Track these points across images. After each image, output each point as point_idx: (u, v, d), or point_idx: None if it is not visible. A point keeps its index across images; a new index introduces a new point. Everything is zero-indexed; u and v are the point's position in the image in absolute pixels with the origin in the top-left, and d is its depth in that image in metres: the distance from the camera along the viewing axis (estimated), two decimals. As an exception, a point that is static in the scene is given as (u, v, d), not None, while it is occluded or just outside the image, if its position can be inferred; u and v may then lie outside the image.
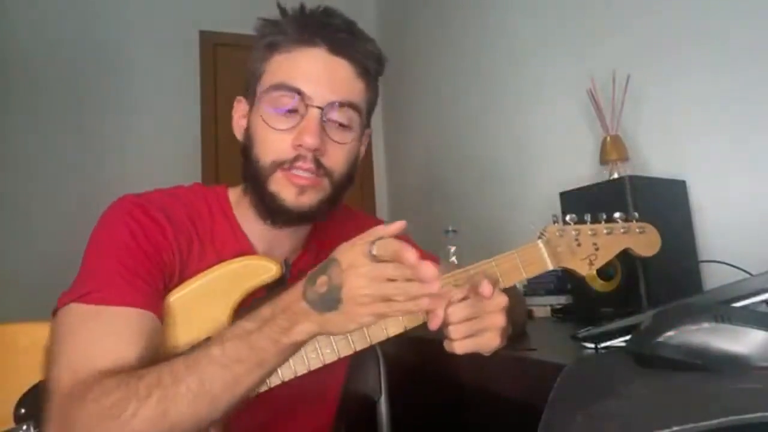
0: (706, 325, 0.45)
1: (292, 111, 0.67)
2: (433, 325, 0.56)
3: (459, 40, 2.13)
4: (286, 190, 0.67)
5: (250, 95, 0.72)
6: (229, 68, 2.77)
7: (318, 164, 0.67)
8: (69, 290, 0.62)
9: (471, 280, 0.60)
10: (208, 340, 0.59)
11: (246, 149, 0.71)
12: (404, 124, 2.70)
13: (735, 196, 1.06)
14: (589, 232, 0.69)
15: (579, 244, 0.68)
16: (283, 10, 0.70)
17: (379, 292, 0.53)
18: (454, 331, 0.57)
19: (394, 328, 0.62)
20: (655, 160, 1.22)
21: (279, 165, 0.67)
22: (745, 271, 0.93)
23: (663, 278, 0.97)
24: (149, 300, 0.62)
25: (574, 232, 0.68)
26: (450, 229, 1.67)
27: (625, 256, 0.72)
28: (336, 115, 0.68)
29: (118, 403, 0.53)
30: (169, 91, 2.71)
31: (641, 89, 1.23)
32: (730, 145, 1.07)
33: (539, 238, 0.68)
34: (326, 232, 0.82)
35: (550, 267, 0.67)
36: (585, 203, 0.97)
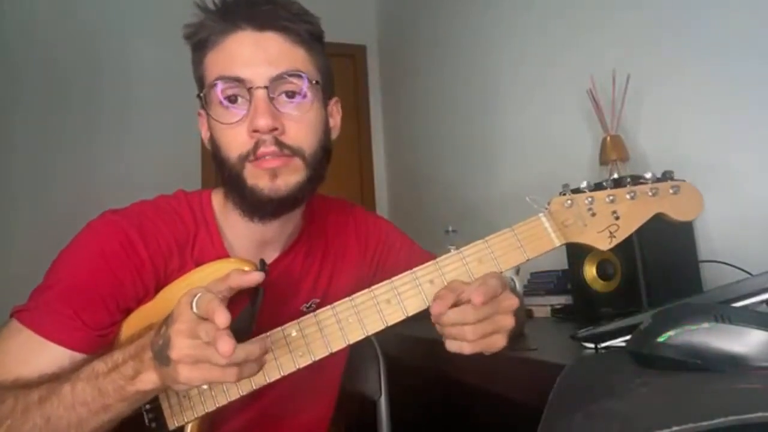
0: (706, 325, 0.45)
1: (242, 100, 0.65)
2: (436, 308, 0.55)
3: (459, 39, 2.13)
4: (259, 179, 0.65)
5: (204, 103, 0.70)
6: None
7: (280, 145, 0.64)
8: (27, 299, 0.64)
9: (484, 282, 0.57)
10: (69, 374, 0.58)
11: (214, 156, 0.70)
12: (404, 123, 2.70)
13: (735, 197, 1.06)
14: (607, 199, 0.58)
15: (594, 214, 0.58)
16: (202, 8, 0.67)
17: (199, 353, 0.49)
18: (471, 332, 0.55)
19: (393, 315, 0.60)
20: (655, 160, 1.22)
21: (245, 158, 0.65)
22: (745, 271, 0.93)
23: (663, 278, 0.97)
24: (81, 340, 0.62)
25: (587, 201, 0.58)
26: (450, 229, 1.67)
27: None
28: (284, 89, 0.66)
29: None
30: (169, 90, 2.71)
31: (641, 89, 1.22)
32: (731, 145, 1.07)
33: (541, 211, 0.60)
34: (319, 228, 0.81)
35: (557, 243, 0.59)
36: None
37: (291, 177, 0.66)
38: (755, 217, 1.02)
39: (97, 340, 0.63)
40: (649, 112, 1.24)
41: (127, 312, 0.66)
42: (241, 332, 0.58)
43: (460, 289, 0.57)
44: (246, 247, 0.73)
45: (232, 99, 0.65)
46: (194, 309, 0.50)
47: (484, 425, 0.97)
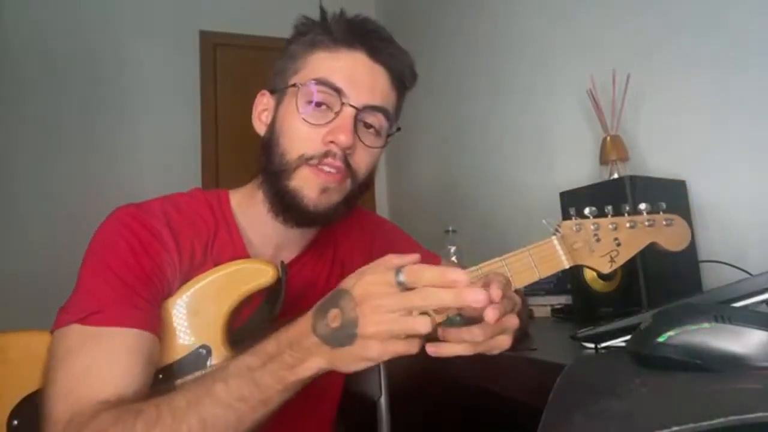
0: (706, 325, 0.45)
1: (328, 108, 0.68)
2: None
3: (459, 41, 2.13)
4: (308, 186, 0.67)
5: (280, 89, 0.72)
6: (229, 68, 2.77)
7: (346, 163, 0.67)
8: (67, 308, 0.61)
9: (491, 281, 0.56)
10: (212, 373, 0.56)
11: (269, 143, 0.71)
12: (404, 123, 2.70)
13: (735, 196, 1.06)
14: (610, 227, 0.63)
15: (598, 240, 0.63)
16: (324, 13, 0.71)
17: (399, 326, 0.47)
18: (481, 333, 0.53)
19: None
20: (655, 160, 1.22)
21: (307, 159, 0.67)
22: (745, 271, 0.93)
23: (663, 278, 0.97)
24: (148, 320, 0.61)
25: (592, 227, 0.63)
26: (450, 229, 1.67)
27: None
28: (369, 119, 0.70)
29: None
30: (169, 91, 2.71)
31: (641, 89, 1.23)
32: (731, 145, 1.07)
33: (553, 234, 0.63)
34: (329, 233, 0.81)
35: (566, 265, 0.62)
36: (585, 203, 0.97)
37: (335, 196, 0.69)
38: (755, 218, 1.02)
39: (158, 319, 0.63)
40: (649, 112, 1.24)
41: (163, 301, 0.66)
42: (256, 333, 0.57)
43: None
44: (264, 248, 0.74)
45: (322, 103, 0.68)
46: (401, 278, 0.47)
47: (484, 425, 0.97)
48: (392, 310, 0.46)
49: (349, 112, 0.67)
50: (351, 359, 0.50)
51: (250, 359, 0.54)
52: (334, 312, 0.49)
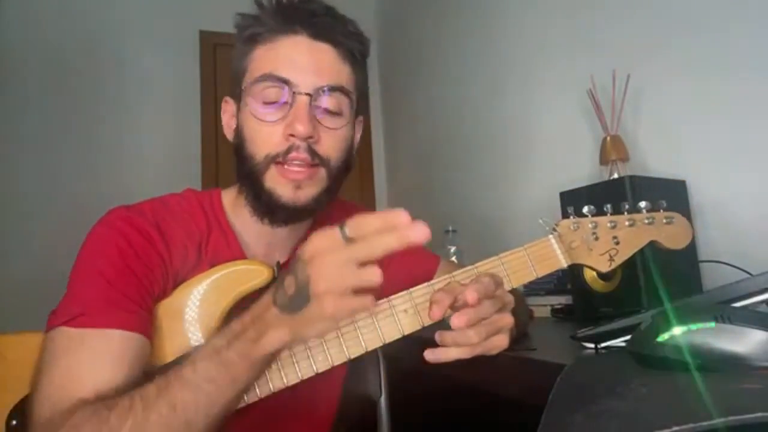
0: (706, 325, 0.45)
1: (280, 102, 0.66)
2: (435, 314, 0.54)
3: (459, 40, 2.13)
4: (281, 186, 0.66)
5: (237, 93, 0.71)
6: (229, 68, 2.76)
7: (312, 153, 0.66)
8: (57, 310, 0.61)
9: (478, 280, 0.56)
10: (180, 359, 0.57)
11: (238, 148, 0.70)
12: (404, 123, 2.70)
13: (735, 196, 1.06)
14: (609, 225, 0.63)
15: (597, 238, 0.63)
16: (259, 3, 0.69)
17: (350, 279, 0.45)
18: (475, 335, 0.53)
19: (390, 333, 0.59)
20: (655, 160, 1.22)
21: (273, 159, 0.66)
22: (745, 271, 0.93)
23: (663, 278, 0.97)
24: (136, 321, 0.60)
25: (590, 225, 0.63)
26: (450, 229, 1.67)
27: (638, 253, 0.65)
28: (325, 101, 0.67)
29: None
30: (169, 91, 2.71)
31: (641, 89, 1.23)
32: (730, 145, 1.07)
33: (550, 233, 0.63)
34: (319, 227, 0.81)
35: (564, 264, 0.63)
36: (585, 203, 0.97)
37: (313, 188, 0.67)
38: (755, 218, 1.02)
39: (150, 321, 0.63)
40: (649, 112, 1.24)
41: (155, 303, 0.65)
42: None
43: (457, 291, 0.56)
44: (257, 248, 0.74)
45: (273, 98, 0.66)
46: (346, 232, 0.46)
47: (484, 425, 0.97)
48: (340, 264, 0.45)
49: (302, 100, 0.65)
50: (309, 323, 0.49)
51: (217, 340, 0.55)
52: (289, 279, 0.49)
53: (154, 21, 2.72)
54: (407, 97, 2.63)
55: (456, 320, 0.51)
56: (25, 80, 2.47)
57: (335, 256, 0.46)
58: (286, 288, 0.50)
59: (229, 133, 0.74)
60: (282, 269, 0.73)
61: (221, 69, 2.80)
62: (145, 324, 0.62)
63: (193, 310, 0.66)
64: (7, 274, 2.23)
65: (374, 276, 0.45)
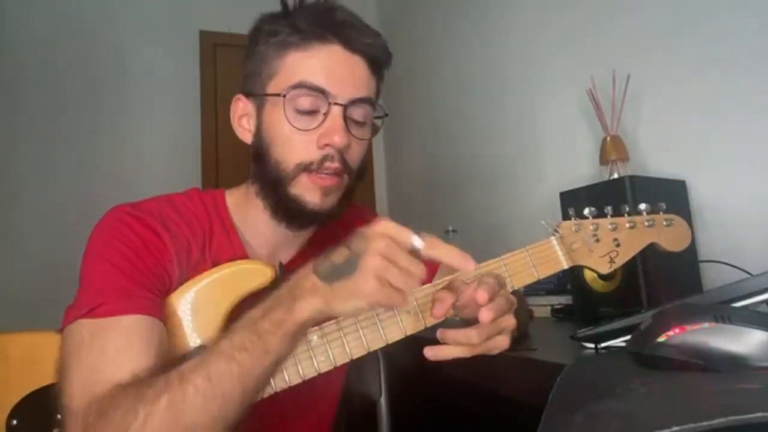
0: (706, 325, 0.45)
1: (316, 111, 0.66)
2: (438, 312, 0.55)
3: (459, 40, 2.13)
4: (310, 192, 0.67)
5: (257, 93, 0.70)
6: (229, 68, 2.77)
7: (344, 163, 0.67)
8: (74, 305, 0.61)
9: (483, 280, 0.56)
10: (221, 333, 0.58)
11: (260, 151, 0.69)
12: (404, 123, 2.70)
13: (735, 196, 1.06)
14: (609, 227, 0.63)
15: (597, 240, 0.63)
16: (291, 6, 0.69)
17: (399, 274, 0.49)
18: (477, 335, 0.53)
19: (393, 333, 0.59)
20: (655, 160, 1.22)
21: (305, 167, 0.66)
22: (745, 271, 0.93)
23: (663, 278, 0.97)
24: (153, 307, 0.61)
25: (591, 227, 0.63)
26: (450, 229, 1.67)
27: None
28: (356, 112, 0.68)
29: (126, 414, 0.51)
30: (169, 91, 2.71)
31: (641, 89, 1.23)
32: (730, 145, 1.07)
33: (552, 234, 0.63)
34: (326, 231, 0.81)
35: (565, 266, 0.63)
36: (585, 203, 0.97)
37: (337, 194, 0.69)
38: (755, 218, 1.02)
39: (163, 310, 0.63)
40: (649, 112, 1.24)
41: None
42: None
43: (460, 289, 0.56)
44: (261, 249, 0.74)
45: (308, 106, 0.66)
46: (417, 244, 0.50)
47: (484, 425, 0.97)
48: (398, 249, 0.49)
49: (337, 111, 0.66)
50: (345, 297, 0.51)
51: (254, 312, 0.55)
52: (341, 249, 0.51)
53: (154, 21, 2.72)
54: (408, 96, 2.63)
55: (485, 315, 0.52)
56: (26, 81, 2.47)
57: (400, 255, 0.49)
58: (334, 257, 0.51)
59: (242, 133, 0.73)
60: (285, 270, 0.74)
61: (221, 69, 2.80)
62: (161, 311, 0.62)
63: (195, 308, 0.66)
64: (8, 274, 2.23)
65: (420, 270, 0.49)
